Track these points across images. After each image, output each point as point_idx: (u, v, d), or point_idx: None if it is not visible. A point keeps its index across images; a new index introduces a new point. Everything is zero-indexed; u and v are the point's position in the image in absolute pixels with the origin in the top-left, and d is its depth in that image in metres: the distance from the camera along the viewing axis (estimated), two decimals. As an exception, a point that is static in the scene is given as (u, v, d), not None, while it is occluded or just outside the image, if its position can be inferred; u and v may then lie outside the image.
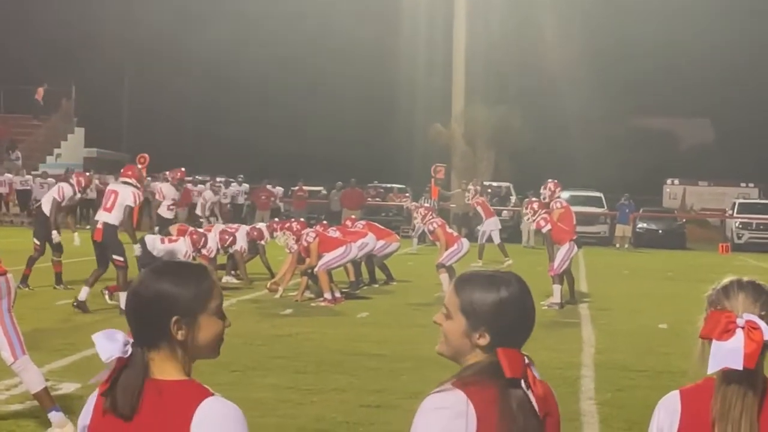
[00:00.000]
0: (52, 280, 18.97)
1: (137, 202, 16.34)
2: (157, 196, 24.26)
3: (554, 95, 54.61)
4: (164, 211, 23.02)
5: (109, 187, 16.80)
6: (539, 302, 18.19)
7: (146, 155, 38.76)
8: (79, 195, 19.16)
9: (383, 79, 56.42)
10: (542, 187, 19.80)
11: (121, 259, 15.71)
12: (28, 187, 43.46)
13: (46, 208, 18.54)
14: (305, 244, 18.23)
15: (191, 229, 19.62)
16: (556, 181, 19.77)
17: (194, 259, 17.93)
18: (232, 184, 45.74)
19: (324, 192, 45.30)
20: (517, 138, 47.90)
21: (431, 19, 53.32)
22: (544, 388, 3.06)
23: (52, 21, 60.24)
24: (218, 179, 46.08)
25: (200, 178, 45.71)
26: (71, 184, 18.91)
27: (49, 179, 43.13)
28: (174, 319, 2.89)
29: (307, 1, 58.63)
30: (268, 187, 43.78)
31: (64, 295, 17.65)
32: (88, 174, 22.64)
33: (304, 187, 44.61)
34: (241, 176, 46.38)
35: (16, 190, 43.71)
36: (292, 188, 45.13)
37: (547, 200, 19.47)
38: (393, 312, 17.19)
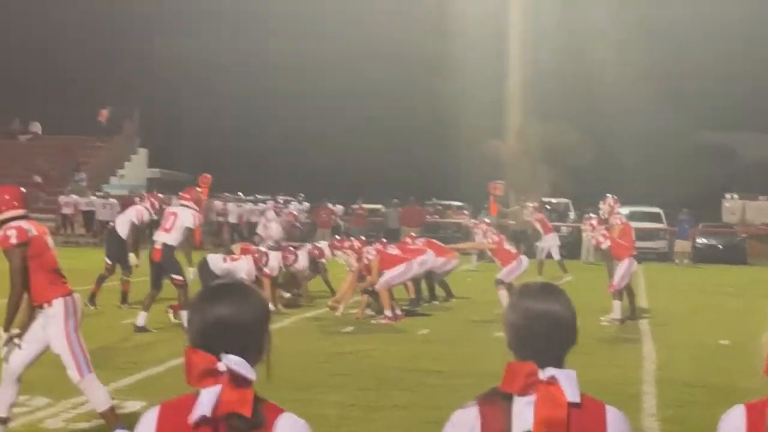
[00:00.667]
0: (116, 299, 19.26)
1: (197, 224, 16.57)
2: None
3: (613, 110, 54.42)
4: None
5: (168, 209, 17.08)
6: (599, 318, 18.22)
7: (208, 176, 39.15)
8: (154, 217, 19.45)
9: (440, 96, 56.48)
10: (601, 202, 19.78)
11: (180, 278, 15.94)
12: (93, 208, 44.07)
13: (122, 230, 18.85)
14: (366, 261, 18.38)
15: (254, 248, 19.84)
16: (615, 196, 19.75)
17: (256, 278, 18.16)
18: (293, 202, 46.13)
19: (383, 210, 45.55)
20: (576, 154, 47.78)
21: (487, 34, 53.36)
22: (577, 412, 3.05)
23: (115, 44, 61.12)
24: (279, 198, 46.50)
25: (261, 197, 46.17)
26: (146, 208, 19.21)
27: (112, 200, 43.76)
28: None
29: (361, 17, 58.92)
30: (329, 205, 44.10)
31: (128, 314, 17.91)
32: (160, 195, 22.91)
33: (364, 205, 44.83)
34: (302, 195, 46.77)
35: (81, 211, 44.35)
36: (352, 206, 45.37)
37: (606, 216, 19.46)
38: (453, 329, 17.25)
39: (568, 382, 3.04)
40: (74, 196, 44.50)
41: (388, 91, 59.07)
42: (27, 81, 58.72)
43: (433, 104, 57.40)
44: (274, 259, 19.24)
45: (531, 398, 3.04)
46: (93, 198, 44.35)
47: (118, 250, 18.89)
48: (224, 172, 48.88)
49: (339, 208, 45.00)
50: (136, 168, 53.22)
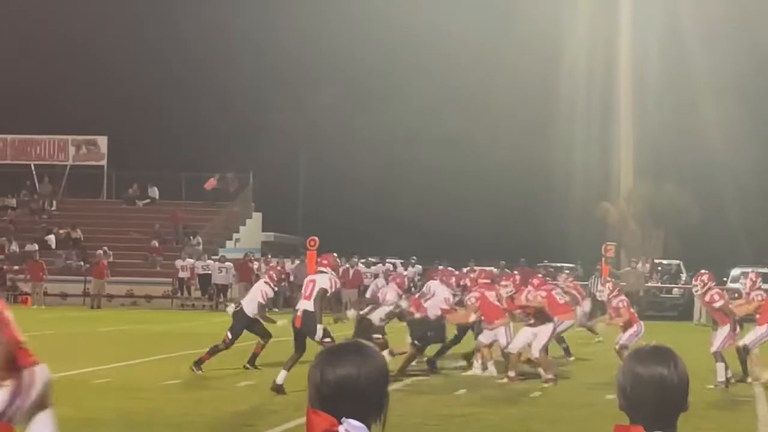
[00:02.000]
0: (229, 363, 19.67)
1: (333, 288, 17.44)
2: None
3: (721, 170, 53.90)
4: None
5: (308, 278, 17.76)
6: (708, 384, 18.08)
7: (316, 238, 39.67)
8: (275, 289, 20.38)
9: (549, 158, 56.55)
10: (743, 277, 19.44)
11: (329, 339, 16.38)
12: (209, 272, 44.84)
13: (249, 310, 19.57)
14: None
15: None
16: (757, 271, 19.69)
17: None
18: (408, 266, 46.43)
19: (496, 271, 45.39)
20: (685, 214, 47.47)
21: (597, 97, 53.45)
22: None
23: (229, 109, 62.40)
24: (389, 261, 46.84)
25: (373, 260, 46.50)
26: (267, 283, 20.10)
27: (228, 263, 44.55)
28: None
29: (469, 82, 59.44)
30: (440, 268, 44.24)
31: (247, 376, 18.26)
32: (278, 267, 23.37)
33: (476, 267, 44.91)
34: (414, 258, 47.05)
35: (198, 275, 45.15)
36: (464, 268, 45.47)
37: (747, 291, 19.34)
38: (566, 391, 17.31)
39: None
40: (190, 260, 45.33)
41: (499, 155, 59.25)
42: (144, 147, 60.21)
43: (544, 167, 57.44)
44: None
45: None
46: (209, 262, 45.16)
47: (243, 327, 19.58)
48: (337, 235, 49.46)
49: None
50: (252, 232, 54.07)
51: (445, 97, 60.79)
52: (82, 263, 47.30)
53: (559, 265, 49.26)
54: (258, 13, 63.33)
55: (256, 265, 45.62)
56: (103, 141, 54.94)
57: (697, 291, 20.43)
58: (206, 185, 53.66)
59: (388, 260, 46.90)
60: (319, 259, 18.06)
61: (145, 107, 62.84)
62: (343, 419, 2.99)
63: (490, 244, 53.76)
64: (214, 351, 19.37)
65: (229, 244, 51.28)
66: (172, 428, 12.67)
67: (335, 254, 18.01)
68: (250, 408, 14.67)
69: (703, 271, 21.15)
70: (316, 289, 16.80)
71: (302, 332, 16.81)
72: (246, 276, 44.54)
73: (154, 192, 54.47)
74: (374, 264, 45.95)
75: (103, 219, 51.96)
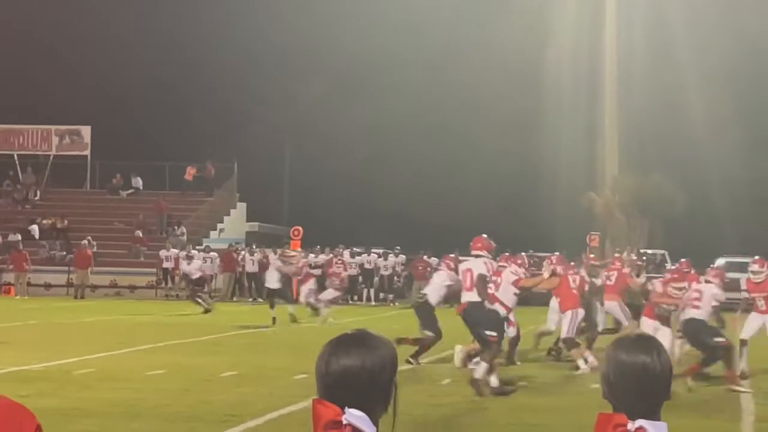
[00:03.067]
0: (213, 353, 19.60)
1: (491, 271, 16.31)
2: None
3: (706, 160, 54.01)
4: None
5: (462, 266, 16.95)
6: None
7: (300, 228, 39.61)
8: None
9: (534, 148, 56.59)
10: (752, 263, 18.98)
11: (494, 334, 15.65)
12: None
13: (433, 299, 19.73)
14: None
15: None
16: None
17: None
18: (390, 255, 46.43)
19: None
20: (671, 205, 47.55)
21: (583, 87, 53.48)
22: None
23: (213, 99, 62.27)
24: (374, 251, 46.82)
25: (357, 250, 46.48)
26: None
27: (212, 254, 44.46)
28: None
29: (458, 72, 59.41)
30: (425, 257, 44.30)
31: (231, 366, 18.18)
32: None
33: (461, 257, 44.89)
34: (398, 248, 47.02)
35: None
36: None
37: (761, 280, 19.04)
38: (553, 380, 17.31)
39: None
40: (174, 250, 45.22)
41: (485, 145, 59.28)
42: (128, 137, 60.05)
43: (529, 157, 57.48)
44: None
45: None
46: (194, 252, 45.04)
47: (435, 318, 19.71)
48: (322, 225, 49.40)
49: (435, 261, 45.12)
50: (236, 222, 54.03)
51: (430, 89, 60.76)
52: (65, 253, 47.16)
53: (544, 254, 49.31)
54: (243, 4, 63.17)
55: (240, 255, 45.60)
56: (86, 131, 54.76)
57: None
58: (186, 176, 53.62)
59: (373, 250, 46.84)
60: (472, 243, 16.85)
61: (129, 97, 62.62)
62: (345, 409, 2.97)
63: (475, 233, 53.71)
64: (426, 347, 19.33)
65: (214, 234, 51.24)
66: (156, 418, 12.60)
67: (485, 235, 16.79)
68: (235, 398, 14.58)
69: (683, 260, 21.07)
70: (475, 277, 15.91)
71: (472, 324, 16.02)
72: (230, 266, 44.50)
73: (138, 182, 54.35)
74: (359, 254, 45.93)
75: (87, 209, 51.81)
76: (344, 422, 2.97)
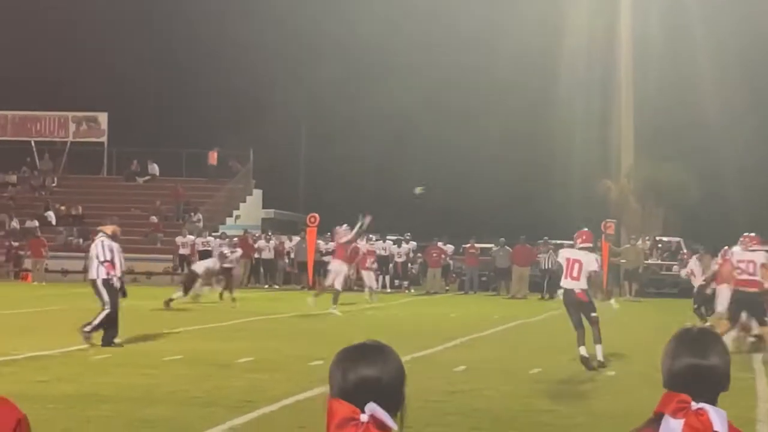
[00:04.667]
0: (229, 340, 19.70)
1: (599, 266, 18.00)
2: None
3: (722, 147, 53.87)
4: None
5: (571, 257, 17.63)
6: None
7: (316, 215, 39.63)
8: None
9: (551, 135, 56.51)
10: None
11: (596, 315, 17.33)
12: (209, 248, 44.85)
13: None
14: None
15: None
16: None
17: None
18: (403, 242, 46.43)
19: (493, 249, 45.35)
20: (686, 192, 47.49)
21: (598, 74, 53.39)
22: None
23: (229, 85, 62.30)
24: (389, 237, 46.86)
25: (373, 237, 46.49)
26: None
27: (228, 239, 44.58)
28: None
29: (469, 59, 59.32)
30: (439, 244, 44.32)
31: (247, 352, 18.29)
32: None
33: (476, 245, 44.91)
34: (408, 234, 47.00)
35: (198, 251, 45.18)
36: (464, 245, 45.48)
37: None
38: (567, 367, 17.34)
39: (717, 415, 3.26)
40: (191, 237, 45.34)
41: (500, 132, 59.20)
42: (145, 123, 60.19)
43: (544, 144, 57.40)
44: None
45: (680, 422, 3.24)
46: (209, 238, 45.19)
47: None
48: (338, 211, 49.35)
49: (450, 248, 45.17)
50: (252, 209, 54.14)
51: (445, 74, 60.70)
52: (82, 240, 47.34)
53: (559, 242, 49.29)
54: (258, -10, 63.14)
55: (259, 242, 45.70)
56: (103, 117, 54.94)
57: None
58: (210, 160, 53.73)
59: (388, 237, 46.86)
60: (577, 236, 18.01)
61: (145, 84, 62.74)
62: (368, 404, 3.08)
63: (491, 220, 53.82)
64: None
65: (230, 220, 51.35)
66: (172, 404, 12.71)
67: (586, 228, 18.20)
68: (250, 384, 14.66)
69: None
70: (583, 270, 17.16)
71: (578, 308, 17.37)
72: (246, 253, 44.58)
73: (155, 169, 54.49)
74: (374, 242, 45.96)
75: (104, 195, 52.00)
76: (363, 419, 3.07)
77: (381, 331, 22.73)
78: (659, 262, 44.17)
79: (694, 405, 3.26)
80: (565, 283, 17.38)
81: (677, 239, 45.75)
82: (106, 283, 18.97)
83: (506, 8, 55.75)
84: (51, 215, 49.54)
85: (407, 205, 58.93)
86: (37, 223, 48.17)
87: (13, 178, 54.22)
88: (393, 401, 3.17)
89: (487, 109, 59.92)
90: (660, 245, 45.23)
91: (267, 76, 62.26)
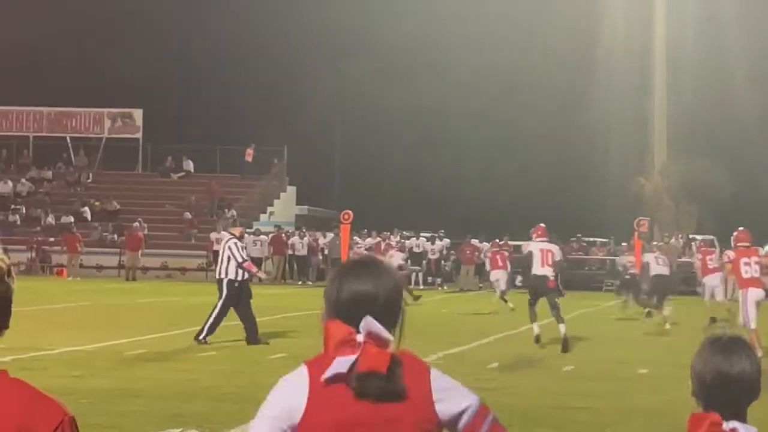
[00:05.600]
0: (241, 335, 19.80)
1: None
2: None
3: (756, 145, 53.56)
4: None
5: (543, 248, 20.09)
6: None
7: (350, 212, 39.70)
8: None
9: (585, 133, 56.35)
10: None
11: (558, 300, 19.90)
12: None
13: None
14: None
15: None
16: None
17: None
18: (437, 239, 46.44)
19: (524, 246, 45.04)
20: (720, 190, 47.26)
21: (632, 72, 53.20)
22: None
23: (264, 83, 62.48)
24: (422, 234, 46.87)
25: (406, 234, 46.52)
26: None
27: (262, 236, 44.72)
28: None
29: (503, 56, 59.23)
30: (474, 242, 44.25)
31: (280, 349, 18.38)
32: None
33: (510, 242, 44.84)
34: (442, 231, 46.99)
35: (231, 247, 45.28)
36: (498, 243, 45.39)
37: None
38: (598, 365, 17.32)
39: None
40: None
41: (533, 129, 59.12)
42: (179, 120, 60.44)
43: (578, 141, 57.25)
44: None
45: None
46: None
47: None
48: (371, 208, 49.46)
49: (485, 245, 45.02)
50: (286, 205, 54.26)
51: (480, 71, 60.62)
52: (116, 236, 47.62)
53: (592, 239, 49.22)
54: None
55: (292, 239, 45.82)
56: (138, 114, 55.24)
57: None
58: (246, 157, 53.93)
59: (422, 234, 46.89)
60: (532, 230, 20.86)
61: (180, 80, 63.04)
62: (363, 319, 3.07)
63: (523, 217, 53.64)
64: None
65: (263, 217, 51.48)
66: (206, 399, 12.80)
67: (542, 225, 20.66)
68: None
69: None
70: (554, 262, 19.80)
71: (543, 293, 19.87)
72: (280, 249, 44.72)
73: (189, 165, 54.72)
74: (408, 238, 46.01)
75: (139, 192, 52.28)
76: (360, 339, 3.07)
77: (413, 327, 22.69)
78: (693, 260, 43.91)
79: (726, 426, 3.20)
80: (541, 270, 19.68)
81: (711, 237, 45.50)
82: (231, 284, 19.46)
83: (541, 6, 55.66)
84: (86, 211, 49.86)
85: (440, 202, 59.02)
86: (72, 219, 48.48)
87: (49, 174, 54.60)
88: (389, 315, 3.15)
89: (522, 107, 59.82)
90: (693, 243, 44.97)
91: (302, 74, 62.37)
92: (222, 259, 19.80)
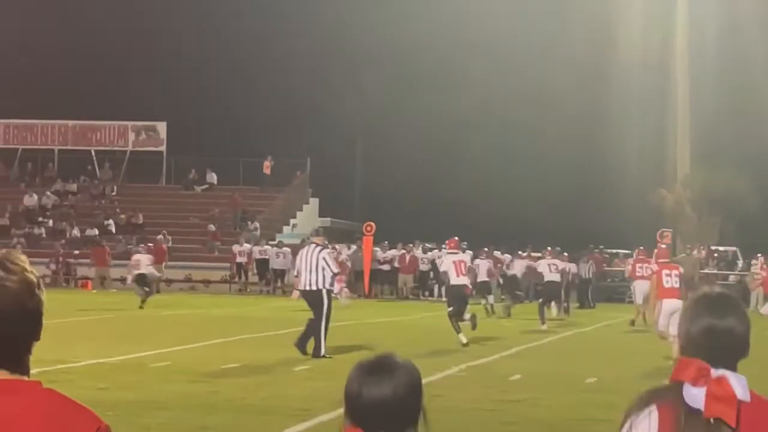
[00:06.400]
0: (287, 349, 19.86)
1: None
2: None
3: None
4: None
5: (456, 259, 22.35)
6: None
7: (372, 223, 39.88)
8: None
9: (603, 143, 56.26)
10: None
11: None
12: (266, 257, 45.10)
13: None
14: None
15: None
16: None
17: None
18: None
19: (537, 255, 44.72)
20: (743, 201, 47.11)
21: (654, 82, 53.12)
22: (747, 407, 3.15)
23: (286, 94, 62.66)
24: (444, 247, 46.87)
25: (429, 245, 46.50)
26: None
27: (285, 248, 44.83)
28: None
29: (524, 68, 59.25)
30: (496, 254, 44.20)
31: (303, 361, 18.43)
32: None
33: (533, 254, 44.78)
34: (465, 243, 46.92)
35: (255, 260, 45.44)
36: (521, 254, 45.35)
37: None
38: (621, 377, 17.31)
39: (738, 382, 3.16)
40: (248, 245, 45.61)
41: (555, 140, 59.06)
42: (203, 133, 60.68)
43: (600, 153, 57.16)
44: None
45: (701, 391, 3.14)
46: (267, 247, 45.45)
47: None
48: (393, 220, 49.50)
49: (507, 257, 44.93)
50: (308, 217, 54.39)
51: (501, 83, 60.61)
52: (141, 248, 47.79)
53: (614, 251, 49.10)
54: (315, -1, 63.47)
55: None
56: (162, 127, 55.53)
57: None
58: (264, 169, 54.11)
59: (443, 246, 46.86)
60: (446, 242, 23.20)
61: (204, 93, 63.27)
62: None
63: (544, 229, 53.64)
64: None
65: (287, 229, 51.61)
66: (230, 411, 12.87)
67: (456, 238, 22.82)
68: (308, 392, 14.77)
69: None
70: (468, 271, 22.37)
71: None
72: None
73: (213, 177, 54.95)
74: (430, 250, 46.03)
75: (162, 204, 52.54)
76: None
77: (436, 339, 22.82)
78: (715, 271, 43.86)
79: (714, 372, 3.16)
80: (458, 280, 21.92)
81: (733, 248, 45.41)
82: (330, 294, 19.59)
83: (562, 17, 55.65)
84: (111, 224, 50.11)
85: (461, 213, 58.98)
86: (96, 232, 48.74)
87: (74, 186, 54.91)
88: (409, 418, 3.17)
89: (543, 118, 59.80)
90: (716, 255, 44.92)
91: (324, 86, 62.53)
92: (311, 269, 19.44)
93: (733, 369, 3.21)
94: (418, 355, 18.14)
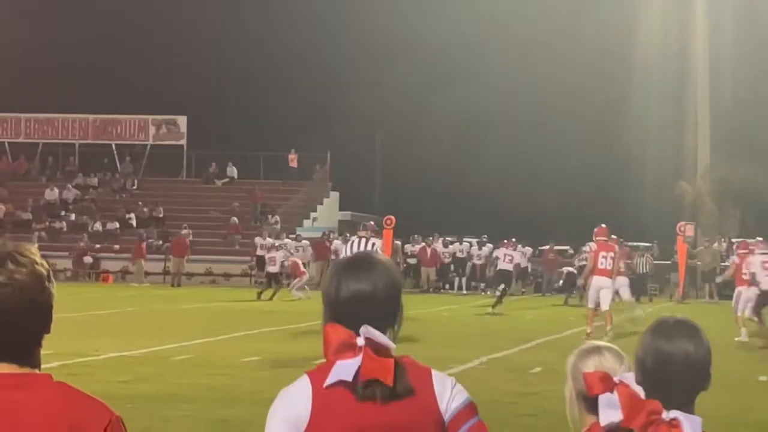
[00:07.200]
0: (306, 342, 19.91)
1: None
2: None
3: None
4: None
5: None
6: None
7: (392, 217, 39.86)
8: None
9: (624, 137, 56.14)
10: None
11: None
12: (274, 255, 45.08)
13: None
14: None
15: None
16: None
17: None
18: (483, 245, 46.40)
19: (571, 251, 44.82)
20: (763, 193, 46.92)
21: (673, 76, 52.93)
22: None
23: (306, 89, 62.72)
24: (465, 239, 46.86)
25: (450, 239, 46.51)
26: None
27: (304, 242, 44.86)
28: None
29: (544, 60, 59.16)
30: (519, 247, 44.15)
31: (319, 352, 18.44)
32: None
33: (555, 247, 44.74)
34: (485, 236, 46.93)
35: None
36: (540, 248, 45.34)
37: None
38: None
39: (690, 426, 2.95)
40: (269, 239, 45.66)
41: (574, 134, 58.95)
42: (223, 126, 60.80)
43: (620, 146, 57.03)
44: None
45: None
46: (287, 240, 45.44)
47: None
48: (414, 213, 49.49)
49: (527, 250, 44.87)
50: (329, 211, 54.41)
51: (521, 76, 60.56)
52: (161, 242, 47.95)
53: (635, 244, 48.95)
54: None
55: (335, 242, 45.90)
56: (182, 121, 55.62)
57: None
58: (290, 163, 54.17)
59: (465, 239, 46.89)
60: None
61: (224, 87, 63.40)
62: (362, 327, 3.03)
63: (565, 222, 53.56)
64: None
65: (307, 223, 51.64)
66: (251, 404, 12.91)
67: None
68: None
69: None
70: None
71: None
72: (323, 255, 44.84)
73: (233, 171, 55.01)
74: (451, 243, 46.04)
75: (183, 198, 52.63)
76: (360, 343, 3.04)
77: (457, 332, 22.83)
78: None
79: (666, 415, 2.95)
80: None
81: (760, 239, 45.16)
82: None
83: (581, 12, 55.51)
84: (132, 217, 50.26)
85: (482, 206, 58.94)
86: (118, 225, 48.91)
87: (95, 180, 55.09)
88: (388, 313, 3.15)
89: (563, 112, 59.71)
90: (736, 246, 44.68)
91: (344, 79, 62.56)
92: None
93: (690, 404, 3.04)
94: (438, 348, 18.15)
